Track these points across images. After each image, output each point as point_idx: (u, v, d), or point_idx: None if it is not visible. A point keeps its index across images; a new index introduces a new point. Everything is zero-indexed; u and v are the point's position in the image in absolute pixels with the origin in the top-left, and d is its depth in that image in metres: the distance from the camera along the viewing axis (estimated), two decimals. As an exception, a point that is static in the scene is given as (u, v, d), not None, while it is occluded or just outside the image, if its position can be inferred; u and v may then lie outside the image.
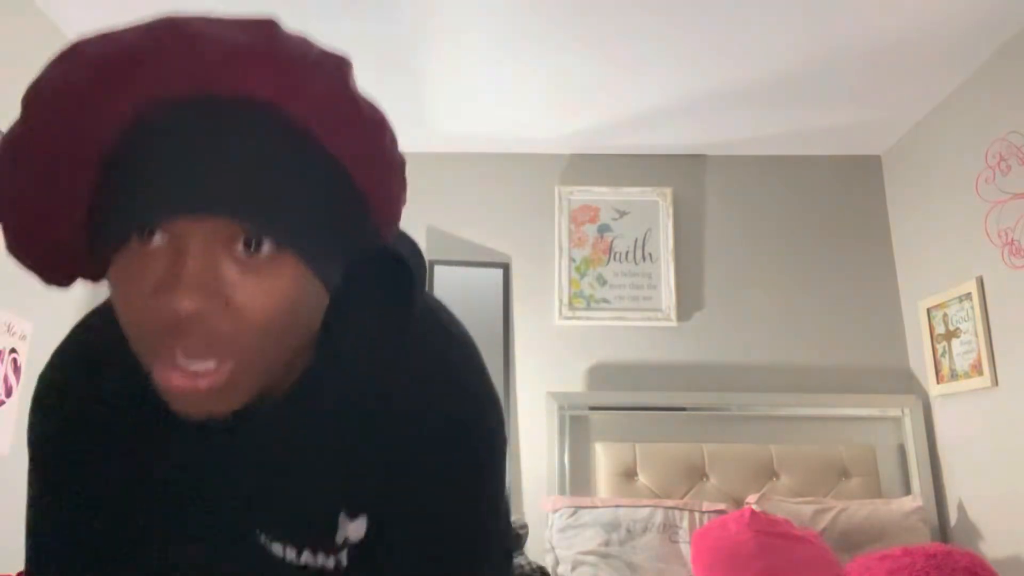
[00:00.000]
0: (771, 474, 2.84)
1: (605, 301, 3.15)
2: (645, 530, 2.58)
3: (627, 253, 3.24)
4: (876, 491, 2.82)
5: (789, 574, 2.24)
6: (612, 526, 2.58)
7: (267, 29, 0.53)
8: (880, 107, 2.94)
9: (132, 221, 0.50)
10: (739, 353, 3.11)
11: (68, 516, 0.76)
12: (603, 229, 3.27)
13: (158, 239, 0.51)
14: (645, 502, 2.67)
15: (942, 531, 2.79)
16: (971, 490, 2.68)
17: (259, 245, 0.52)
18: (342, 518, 0.67)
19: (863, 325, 3.13)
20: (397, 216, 0.63)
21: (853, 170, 3.33)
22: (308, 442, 0.66)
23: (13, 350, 2.23)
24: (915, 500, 2.73)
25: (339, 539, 0.67)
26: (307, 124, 0.55)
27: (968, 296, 2.64)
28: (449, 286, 3.18)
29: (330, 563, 0.67)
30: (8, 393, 2.21)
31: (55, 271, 0.60)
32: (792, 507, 2.62)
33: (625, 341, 3.09)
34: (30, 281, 2.32)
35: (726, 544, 2.35)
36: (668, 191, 3.28)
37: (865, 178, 3.32)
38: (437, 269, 3.21)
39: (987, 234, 2.54)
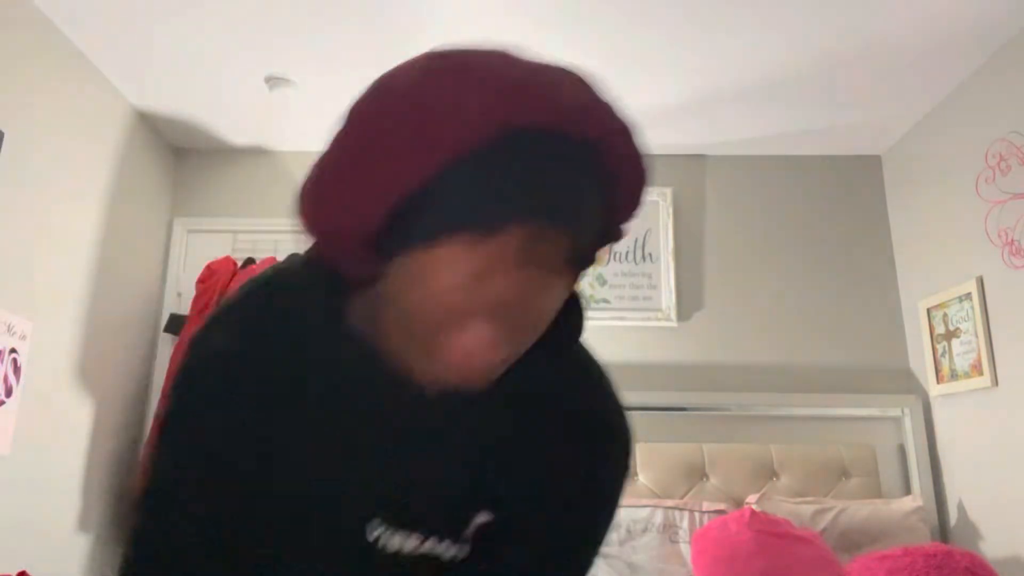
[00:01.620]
0: (771, 474, 2.84)
1: (605, 301, 3.15)
2: (645, 530, 2.58)
3: (627, 253, 3.24)
4: (876, 491, 2.82)
5: (789, 574, 2.24)
6: (612, 526, 2.58)
7: (596, 85, 0.63)
8: (880, 107, 2.93)
9: (500, 218, 0.57)
10: (739, 353, 3.11)
11: (229, 494, 0.69)
12: (603, 229, 3.26)
13: (503, 237, 0.57)
14: (645, 502, 2.67)
15: (942, 531, 2.79)
16: (971, 490, 2.67)
17: (571, 264, 0.61)
18: (482, 515, 0.70)
19: (863, 325, 3.13)
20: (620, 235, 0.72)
21: (853, 170, 3.33)
22: (480, 426, 0.70)
23: (13, 350, 2.23)
24: (915, 500, 2.72)
25: (470, 529, 0.69)
26: (611, 166, 0.64)
27: (968, 296, 2.64)
28: (449, 286, 3.18)
29: (452, 552, 0.69)
30: (8, 393, 2.21)
31: (351, 259, 0.64)
32: (792, 507, 2.62)
33: (625, 341, 3.09)
34: (30, 281, 2.32)
35: (726, 544, 2.35)
36: (668, 191, 3.28)
37: (865, 178, 3.32)
38: (437, 269, 3.21)
39: (987, 234, 2.54)
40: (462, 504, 0.70)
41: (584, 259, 0.63)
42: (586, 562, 0.74)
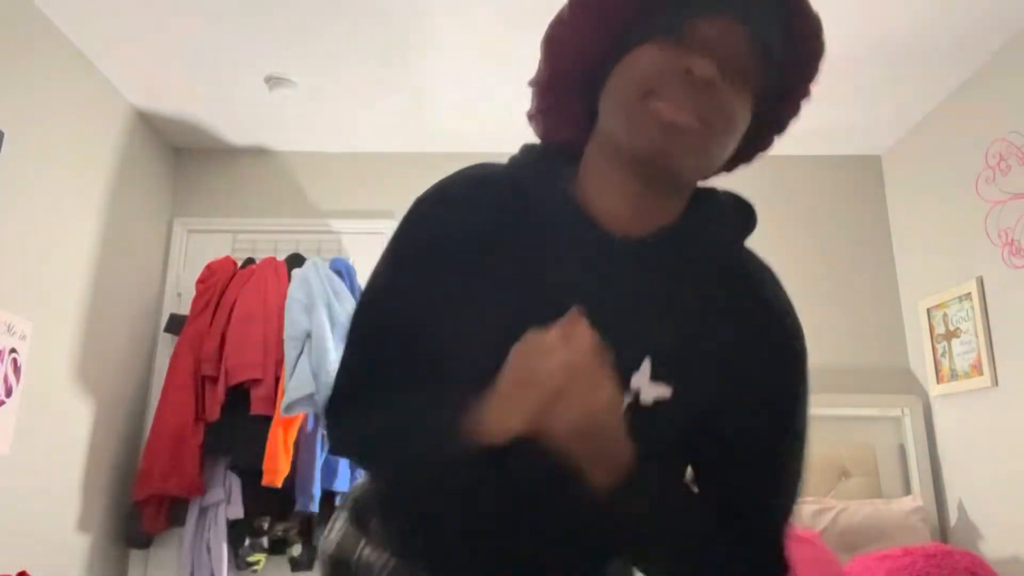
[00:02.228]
0: (771, 474, 2.83)
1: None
2: (645, 530, 2.58)
3: (627, 253, 3.23)
4: (876, 491, 2.82)
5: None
6: (612, 526, 2.58)
7: None
8: (880, 107, 2.93)
9: (683, 16, 0.71)
10: (739, 353, 3.10)
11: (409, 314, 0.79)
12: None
13: (688, 31, 0.71)
14: (645, 502, 2.67)
15: (942, 531, 2.79)
16: (971, 490, 2.67)
17: (749, 79, 0.73)
18: (644, 367, 0.72)
19: (863, 325, 3.13)
20: (799, 105, 0.86)
21: (853, 170, 3.32)
22: (661, 281, 0.75)
23: (13, 350, 2.23)
24: (915, 500, 2.73)
25: (632, 384, 0.71)
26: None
27: (968, 296, 2.64)
28: (449, 286, 3.18)
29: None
30: (8, 393, 2.21)
31: (567, 107, 0.80)
32: (792, 507, 2.62)
33: (625, 341, 3.09)
34: (30, 281, 2.32)
35: (726, 544, 2.35)
36: (668, 191, 3.27)
37: (865, 178, 3.31)
38: (437, 269, 3.21)
39: (987, 234, 2.54)
40: (630, 351, 0.72)
41: (765, 86, 0.75)
42: (788, 459, 0.77)
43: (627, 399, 0.71)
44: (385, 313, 0.81)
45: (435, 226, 0.80)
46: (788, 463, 0.78)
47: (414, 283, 0.79)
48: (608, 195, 0.76)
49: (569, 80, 0.79)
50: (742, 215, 0.84)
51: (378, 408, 0.78)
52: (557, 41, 0.80)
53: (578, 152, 0.80)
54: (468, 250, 0.77)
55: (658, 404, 0.72)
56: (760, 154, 0.89)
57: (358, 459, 0.90)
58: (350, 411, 0.80)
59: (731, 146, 0.76)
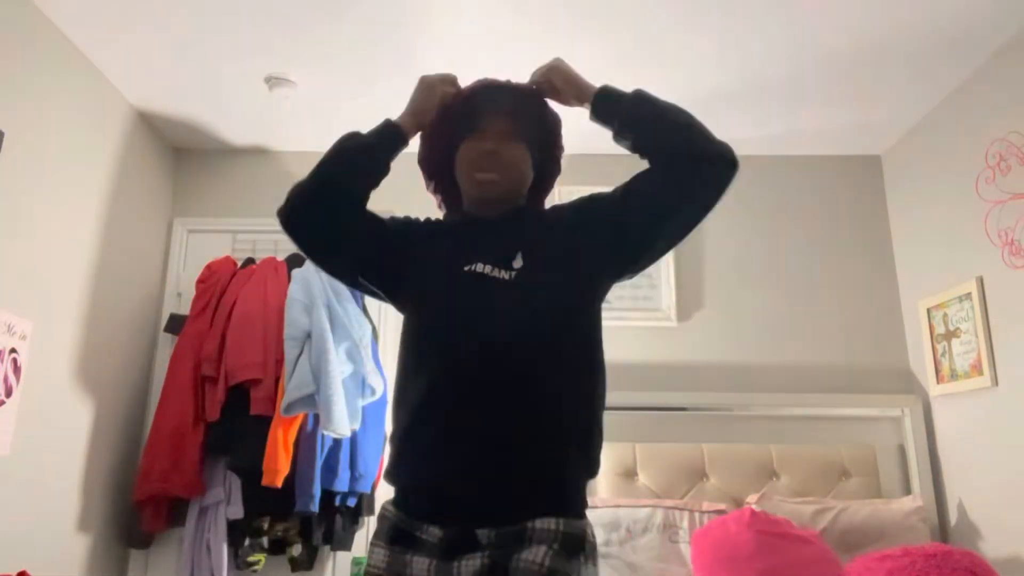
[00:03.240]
0: (771, 474, 2.84)
1: (605, 301, 3.14)
2: (645, 530, 2.58)
3: (627, 253, 3.24)
4: (876, 491, 2.82)
5: (789, 574, 2.25)
6: (612, 526, 2.59)
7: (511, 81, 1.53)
8: (880, 107, 2.93)
9: (475, 116, 1.41)
10: (739, 353, 3.11)
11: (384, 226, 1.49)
12: (603, 229, 3.27)
13: (479, 126, 1.40)
14: (645, 502, 2.67)
15: (942, 531, 2.79)
16: (971, 490, 2.68)
17: (519, 136, 1.40)
18: (518, 256, 1.31)
19: (863, 325, 3.13)
20: (557, 160, 1.54)
21: (853, 170, 3.32)
22: (515, 227, 1.39)
23: (13, 350, 2.23)
24: (915, 500, 2.72)
25: (514, 265, 1.30)
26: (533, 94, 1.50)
27: (968, 296, 2.64)
28: (449, 286, 3.18)
29: (505, 274, 1.28)
30: (8, 393, 2.21)
31: (443, 183, 1.50)
32: (792, 507, 2.62)
33: (625, 341, 3.09)
34: (30, 281, 2.32)
35: (726, 544, 2.35)
36: (668, 191, 3.27)
37: (865, 178, 3.31)
38: (437, 269, 3.21)
39: (987, 234, 2.54)
40: (508, 253, 1.31)
41: (531, 139, 1.42)
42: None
43: (514, 274, 1.28)
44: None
45: (415, 220, 1.55)
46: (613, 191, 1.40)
47: (402, 225, 1.51)
48: (476, 213, 1.44)
49: (436, 161, 1.49)
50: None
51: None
52: (425, 136, 1.50)
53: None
54: (419, 226, 1.51)
55: (531, 268, 1.30)
56: (551, 183, 1.54)
57: (300, 189, 1.50)
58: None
59: (524, 177, 1.42)
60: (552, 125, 1.46)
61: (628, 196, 1.34)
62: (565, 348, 1.27)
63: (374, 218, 1.43)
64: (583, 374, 1.29)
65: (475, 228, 1.39)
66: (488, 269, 1.28)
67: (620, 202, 1.34)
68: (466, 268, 1.29)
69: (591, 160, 3.36)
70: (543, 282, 1.28)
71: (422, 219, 1.51)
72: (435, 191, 1.52)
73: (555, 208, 1.45)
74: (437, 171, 1.47)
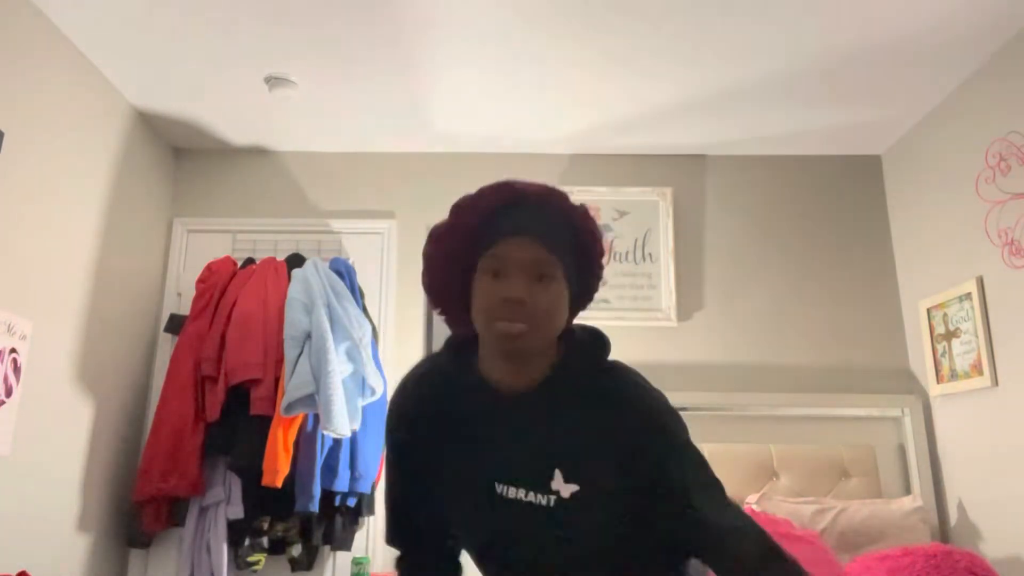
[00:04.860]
0: (771, 474, 2.84)
1: (605, 301, 3.15)
2: (645, 530, 2.58)
3: (627, 253, 3.24)
4: (876, 491, 2.82)
5: (789, 574, 2.24)
6: (612, 526, 2.58)
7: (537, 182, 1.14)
8: (880, 107, 2.94)
9: (493, 241, 1.07)
10: (739, 353, 3.11)
11: (406, 482, 1.24)
12: (603, 229, 3.27)
13: (498, 254, 1.06)
14: (645, 502, 2.66)
15: (942, 531, 2.79)
16: (971, 490, 2.67)
17: (552, 269, 1.05)
18: (556, 474, 1.07)
19: (863, 325, 3.13)
20: (599, 275, 1.16)
21: (853, 170, 3.33)
22: (549, 418, 1.09)
23: (13, 350, 2.23)
24: (915, 500, 2.72)
25: (553, 487, 1.07)
26: (562, 211, 1.11)
27: (968, 296, 2.64)
28: (449, 286, 3.18)
29: (545, 500, 1.07)
30: (8, 393, 2.21)
31: (455, 315, 1.17)
32: (792, 507, 2.62)
33: (625, 341, 3.07)
34: (30, 281, 2.32)
35: (726, 544, 2.35)
36: (668, 191, 3.28)
37: (865, 178, 3.32)
38: (437, 269, 3.20)
39: (987, 234, 2.54)
40: (543, 471, 1.07)
41: (567, 264, 1.07)
42: (695, 489, 1.09)
43: (553, 499, 1.06)
44: (393, 484, 1.26)
45: (400, 415, 1.23)
46: (683, 477, 1.08)
47: (399, 457, 1.24)
48: (495, 369, 1.12)
49: (444, 290, 1.15)
50: (596, 345, 1.16)
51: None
52: (429, 257, 1.14)
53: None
54: (421, 427, 1.18)
55: (576, 497, 1.05)
56: (587, 303, 1.19)
57: None
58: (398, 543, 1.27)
59: (558, 322, 1.08)
60: (591, 240, 1.12)
61: (687, 519, 1.05)
62: (614, 567, 1.10)
63: (418, 499, 1.21)
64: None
65: (498, 419, 1.12)
66: (523, 494, 1.08)
67: (676, 511, 1.06)
68: (499, 491, 1.09)
69: (591, 160, 3.37)
70: (589, 515, 1.06)
71: (416, 413, 1.20)
72: (444, 318, 1.21)
73: (600, 395, 1.10)
74: (446, 301, 1.17)
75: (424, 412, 1.18)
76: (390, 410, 1.24)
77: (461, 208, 1.11)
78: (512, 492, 1.08)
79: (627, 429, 1.06)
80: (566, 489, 1.06)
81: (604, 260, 1.16)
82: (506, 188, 1.10)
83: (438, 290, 1.15)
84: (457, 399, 1.16)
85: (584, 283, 1.13)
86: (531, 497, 1.07)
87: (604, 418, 1.07)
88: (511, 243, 1.05)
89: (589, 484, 1.05)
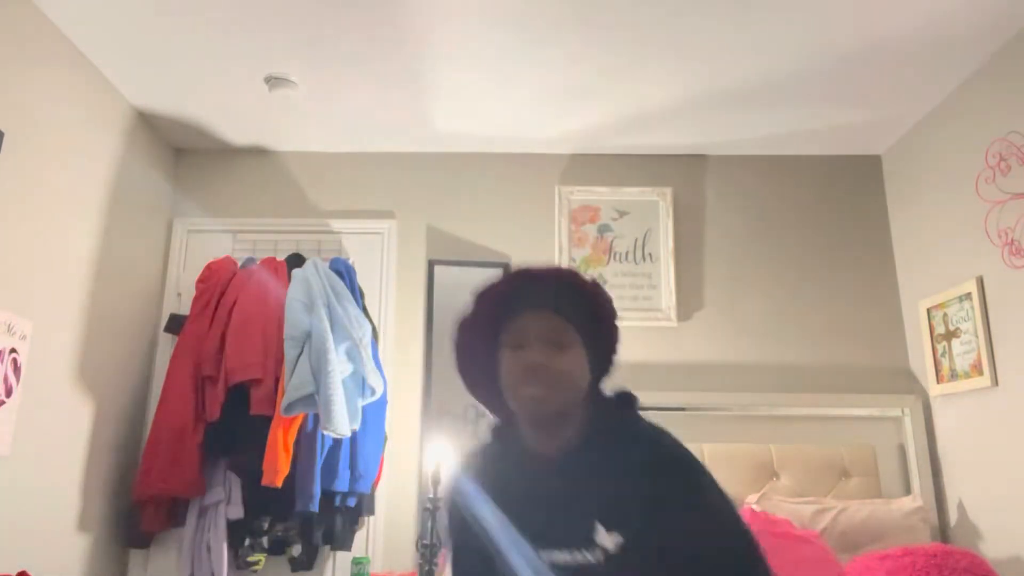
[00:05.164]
0: (771, 474, 2.84)
1: (605, 301, 3.15)
2: (645, 530, 2.58)
3: (627, 253, 3.24)
4: (876, 491, 2.82)
5: (789, 574, 2.24)
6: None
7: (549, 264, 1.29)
8: (880, 107, 2.94)
9: (509, 315, 1.21)
10: (739, 353, 3.11)
11: (469, 562, 1.29)
12: (603, 229, 3.27)
13: (515, 327, 1.19)
14: (645, 502, 2.66)
15: (942, 531, 2.79)
16: (971, 490, 2.67)
17: (566, 337, 1.18)
18: (599, 528, 1.12)
19: (863, 325, 3.13)
20: (616, 340, 1.27)
21: (853, 170, 3.33)
22: (583, 476, 1.16)
23: (13, 350, 2.23)
24: (915, 500, 2.73)
25: (598, 541, 1.12)
26: (576, 287, 1.23)
27: (968, 296, 2.64)
28: (449, 286, 3.18)
29: (591, 557, 1.12)
30: (8, 393, 2.21)
31: (491, 398, 1.27)
32: (792, 507, 2.62)
33: (625, 341, 3.06)
34: (30, 281, 2.31)
35: (726, 544, 2.35)
36: (668, 191, 3.28)
37: (865, 178, 3.32)
38: (437, 269, 3.21)
39: (987, 234, 2.54)
40: (586, 526, 1.13)
41: (583, 333, 1.19)
42: (723, 543, 1.12)
43: (601, 554, 1.11)
44: (457, 565, 1.32)
45: (452, 501, 1.32)
46: (713, 530, 1.12)
47: (458, 541, 1.30)
48: (529, 437, 1.22)
49: (478, 374, 1.26)
50: (623, 403, 1.26)
51: None
52: (459, 346, 1.26)
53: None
54: (477, 501, 1.26)
55: (622, 549, 1.10)
56: (611, 368, 1.28)
57: None
58: None
59: (579, 387, 1.19)
60: (604, 310, 1.24)
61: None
62: None
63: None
64: None
65: (537, 486, 1.20)
66: (569, 557, 1.13)
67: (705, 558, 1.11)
68: (544, 557, 1.15)
69: (591, 160, 3.37)
70: (636, 570, 1.12)
71: (467, 495, 1.29)
72: (484, 404, 1.32)
73: (629, 450, 1.19)
74: (480, 385, 1.28)
75: (469, 501, 1.28)
76: (445, 496, 1.40)
77: (482, 295, 1.23)
78: (560, 557, 1.14)
79: (654, 480, 1.13)
80: (610, 540, 1.11)
81: (617, 321, 1.26)
82: (522, 271, 1.24)
83: (473, 375, 1.27)
84: (502, 473, 1.27)
85: (602, 349, 1.24)
86: (579, 557, 1.13)
87: (633, 471, 1.14)
88: (529, 316, 1.18)
89: (631, 534, 1.11)
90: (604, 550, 1.11)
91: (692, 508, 1.12)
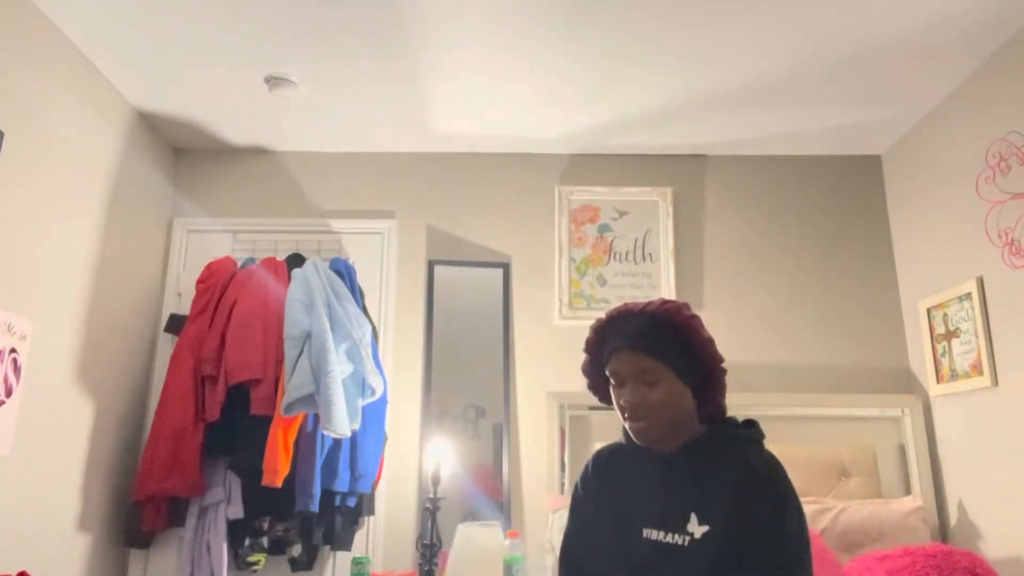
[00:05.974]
0: (771, 474, 2.83)
1: (605, 301, 3.15)
2: (645, 530, 2.58)
3: (627, 253, 3.24)
4: (876, 491, 2.82)
5: (789, 574, 2.24)
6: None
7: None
8: (880, 107, 2.94)
9: (606, 357, 1.43)
10: (739, 353, 3.11)
11: (577, 526, 1.54)
12: (603, 229, 3.27)
13: (612, 368, 1.41)
14: (645, 502, 2.67)
15: (942, 531, 2.79)
16: (971, 490, 2.67)
17: (657, 372, 1.36)
18: (692, 517, 1.33)
19: (863, 325, 3.13)
20: (712, 363, 1.40)
21: (853, 170, 3.33)
22: (688, 474, 1.37)
23: (13, 350, 2.23)
24: (915, 500, 2.72)
25: (689, 528, 1.32)
26: (663, 319, 1.39)
27: (968, 296, 2.64)
28: (449, 286, 3.18)
29: (680, 540, 1.32)
30: (8, 393, 2.21)
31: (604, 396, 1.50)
32: (792, 507, 2.61)
33: (625, 341, 3.09)
34: (30, 281, 2.32)
35: (726, 544, 2.35)
36: (668, 191, 3.28)
37: (865, 178, 3.32)
38: (437, 269, 3.21)
39: (987, 234, 2.54)
40: (682, 513, 1.34)
41: (672, 364, 1.35)
42: (783, 554, 1.28)
43: (688, 539, 1.31)
44: (568, 529, 1.55)
45: (584, 478, 1.56)
46: (780, 560, 1.28)
47: (575, 508, 1.54)
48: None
49: (597, 384, 1.50)
50: (743, 425, 1.43)
51: None
52: (584, 362, 1.50)
53: None
54: (594, 485, 1.53)
55: (706, 537, 1.29)
56: (718, 406, 1.42)
57: None
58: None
59: (678, 411, 1.37)
60: (697, 341, 1.37)
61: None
62: None
63: (583, 540, 1.50)
64: None
65: (650, 477, 1.43)
66: (662, 536, 1.34)
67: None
68: (645, 534, 1.37)
69: (591, 160, 3.37)
70: (710, 556, 1.28)
71: (594, 476, 1.54)
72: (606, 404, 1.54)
73: (734, 459, 1.36)
74: (601, 393, 1.51)
75: (598, 474, 1.53)
76: (581, 475, 1.58)
77: (594, 329, 1.46)
78: (655, 535, 1.35)
79: (753, 496, 1.29)
80: (699, 530, 1.31)
81: (715, 361, 1.39)
82: (621, 309, 1.43)
83: (594, 384, 1.51)
84: (623, 464, 1.50)
85: (701, 373, 1.38)
86: (670, 538, 1.33)
87: (740, 483, 1.31)
88: (620, 358, 1.37)
89: (717, 525, 1.29)
90: (691, 536, 1.31)
91: (771, 531, 1.27)
